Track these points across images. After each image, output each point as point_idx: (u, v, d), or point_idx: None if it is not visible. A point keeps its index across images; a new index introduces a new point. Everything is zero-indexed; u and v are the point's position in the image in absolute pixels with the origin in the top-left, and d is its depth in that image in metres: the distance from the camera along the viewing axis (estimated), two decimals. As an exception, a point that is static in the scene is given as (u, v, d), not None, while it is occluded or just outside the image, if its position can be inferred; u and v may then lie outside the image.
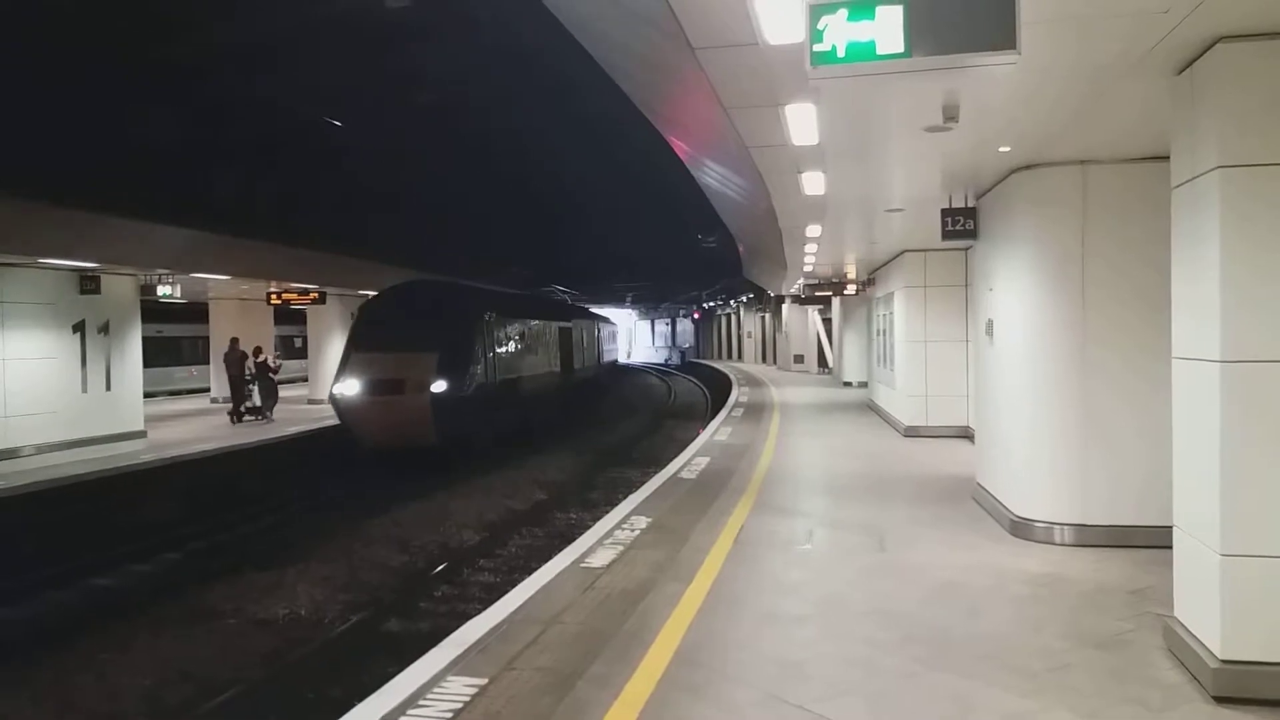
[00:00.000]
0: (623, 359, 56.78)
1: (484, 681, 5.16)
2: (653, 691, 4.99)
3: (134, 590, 10.52)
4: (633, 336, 77.49)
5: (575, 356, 30.85)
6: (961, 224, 10.33)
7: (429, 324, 18.41)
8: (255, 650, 8.47)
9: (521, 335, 23.38)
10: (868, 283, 23.68)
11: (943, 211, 10.38)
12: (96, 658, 8.13)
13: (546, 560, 8.33)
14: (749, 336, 57.00)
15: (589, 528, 9.75)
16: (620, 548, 8.38)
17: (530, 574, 7.81)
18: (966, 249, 13.59)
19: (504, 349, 21.33)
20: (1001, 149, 7.89)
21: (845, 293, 25.58)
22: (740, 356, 59.00)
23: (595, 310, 45.62)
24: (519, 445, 21.12)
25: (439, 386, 17.40)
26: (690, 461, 13.97)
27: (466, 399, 18.15)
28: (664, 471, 13.19)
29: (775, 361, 46.76)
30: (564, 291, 48.19)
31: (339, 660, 8.18)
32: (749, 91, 6.40)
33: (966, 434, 15.08)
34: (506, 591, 7.31)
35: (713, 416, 23.34)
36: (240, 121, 17.50)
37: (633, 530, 9.13)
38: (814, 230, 14.56)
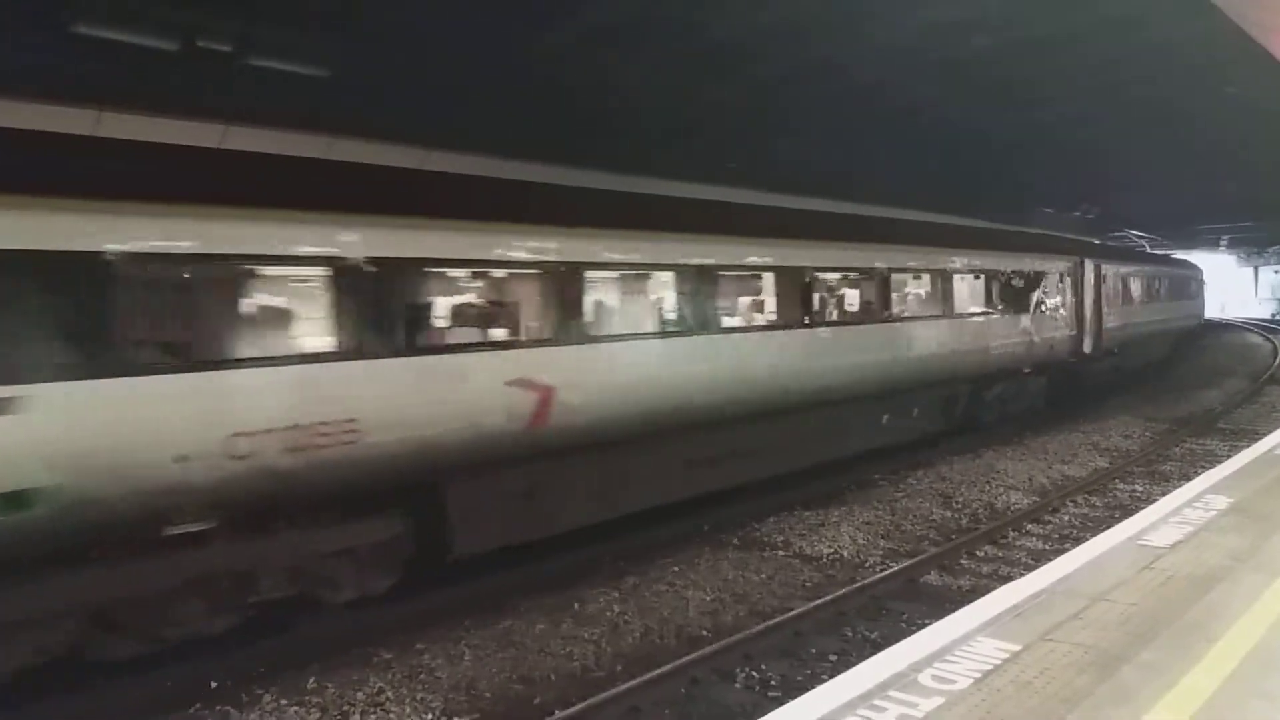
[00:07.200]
0: (1214, 314, 48.67)
1: (1017, 648, 5.02)
2: (1216, 690, 4.43)
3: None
4: (1226, 288, 66.25)
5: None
6: None
7: None
8: (800, 582, 9.17)
9: None
10: None
11: None
12: (669, 570, 9.44)
13: (1101, 532, 7.74)
14: (1396, 286, 45.69)
15: (1154, 502, 8.82)
16: (1190, 528, 7.44)
17: (1081, 544, 7.35)
18: None
19: None
20: None
21: None
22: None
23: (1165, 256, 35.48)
24: (1075, 407, 19.02)
25: None
26: (1294, 437, 11.78)
27: None
28: (1256, 446, 11.34)
29: None
30: (1140, 237, 42.75)
31: (878, 603, 8.53)
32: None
33: None
34: (1053, 559, 6.99)
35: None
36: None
37: (1208, 510, 8.02)
38: None
